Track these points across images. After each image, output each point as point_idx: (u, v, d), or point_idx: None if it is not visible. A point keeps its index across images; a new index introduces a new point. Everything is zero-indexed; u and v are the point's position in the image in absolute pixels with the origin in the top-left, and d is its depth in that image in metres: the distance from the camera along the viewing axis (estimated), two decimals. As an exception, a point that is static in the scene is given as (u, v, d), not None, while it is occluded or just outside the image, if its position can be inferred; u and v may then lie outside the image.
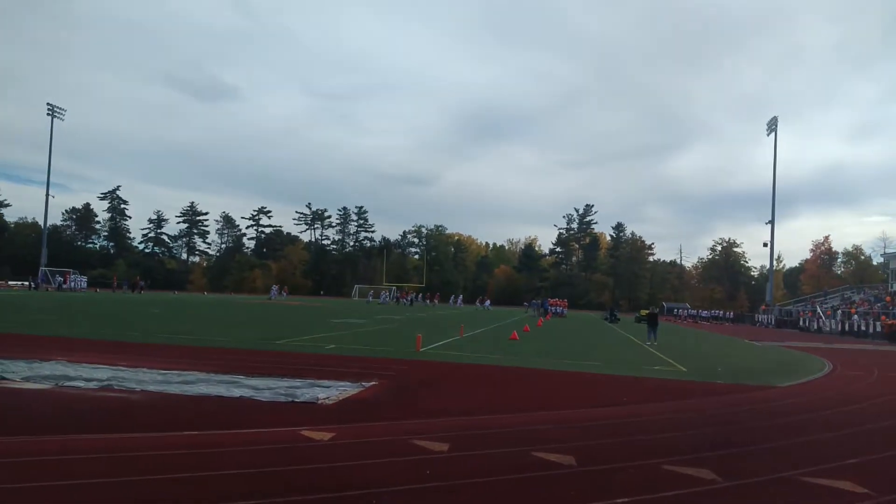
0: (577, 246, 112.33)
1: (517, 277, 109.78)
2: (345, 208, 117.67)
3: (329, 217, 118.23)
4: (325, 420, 7.53)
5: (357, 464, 5.77)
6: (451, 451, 6.37)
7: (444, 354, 16.31)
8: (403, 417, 8.06)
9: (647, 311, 27.53)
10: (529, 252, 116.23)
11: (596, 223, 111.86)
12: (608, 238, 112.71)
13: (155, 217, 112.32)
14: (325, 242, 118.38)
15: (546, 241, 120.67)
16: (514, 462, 6.10)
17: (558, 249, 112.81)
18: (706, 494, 5.36)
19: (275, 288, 70.99)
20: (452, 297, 77.06)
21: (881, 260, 78.73)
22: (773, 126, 62.12)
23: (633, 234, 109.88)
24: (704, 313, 71.34)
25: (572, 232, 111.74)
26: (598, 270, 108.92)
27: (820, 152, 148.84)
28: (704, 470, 5.96)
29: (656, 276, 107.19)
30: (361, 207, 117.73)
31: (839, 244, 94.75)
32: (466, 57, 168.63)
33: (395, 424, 7.59)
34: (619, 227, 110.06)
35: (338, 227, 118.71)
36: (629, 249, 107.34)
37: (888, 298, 47.85)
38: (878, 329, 39.19)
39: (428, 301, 73.02)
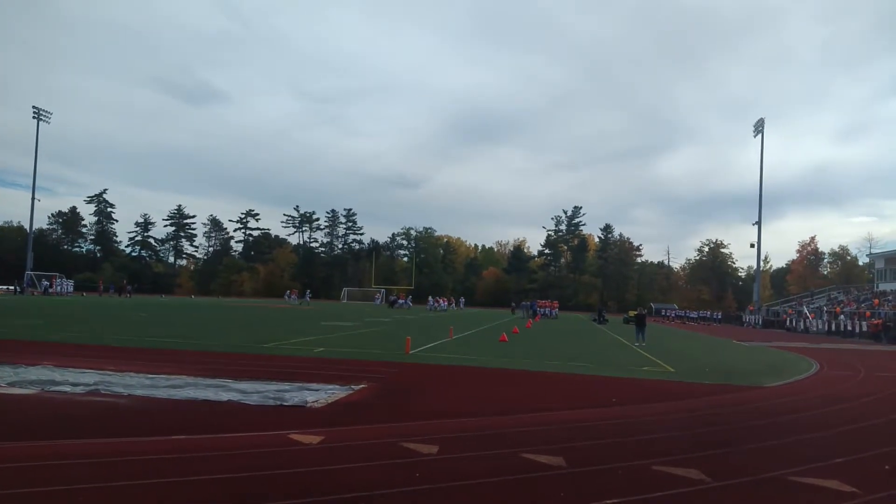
0: (565, 248, 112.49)
1: (506, 279, 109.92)
2: (333, 211, 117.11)
3: (317, 220, 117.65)
4: (314, 423, 7.49)
5: (346, 467, 5.75)
6: (441, 453, 6.36)
7: (434, 357, 16.31)
8: (393, 420, 8.04)
9: (636, 313, 27.65)
10: (518, 254, 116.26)
11: (584, 225, 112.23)
12: (596, 240, 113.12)
13: (142, 220, 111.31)
14: (313, 245, 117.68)
15: (535, 242, 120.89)
16: (504, 464, 6.10)
17: (547, 251, 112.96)
18: (695, 495, 5.39)
19: (294, 293, 68.92)
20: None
21: (867, 260, 79.84)
22: (759, 127, 62.74)
23: (621, 235, 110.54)
24: (692, 314, 71.85)
25: (561, 234, 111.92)
26: (586, 272, 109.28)
27: (806, 153, 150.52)
28: (693, 470, 6.00)
29: (644, 278, 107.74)
30: (350, 210, 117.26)
31: (825, 245, 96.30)
32: (456, 59, 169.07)
33: (384, 427, 7.57)
34: (607, 229, 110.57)
35: (326, 230, 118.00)
36: (617, 251, 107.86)
37: (876, 301, 48.37)
38: (865, 329, 39.65)
39: (447, 304, 73.72)
